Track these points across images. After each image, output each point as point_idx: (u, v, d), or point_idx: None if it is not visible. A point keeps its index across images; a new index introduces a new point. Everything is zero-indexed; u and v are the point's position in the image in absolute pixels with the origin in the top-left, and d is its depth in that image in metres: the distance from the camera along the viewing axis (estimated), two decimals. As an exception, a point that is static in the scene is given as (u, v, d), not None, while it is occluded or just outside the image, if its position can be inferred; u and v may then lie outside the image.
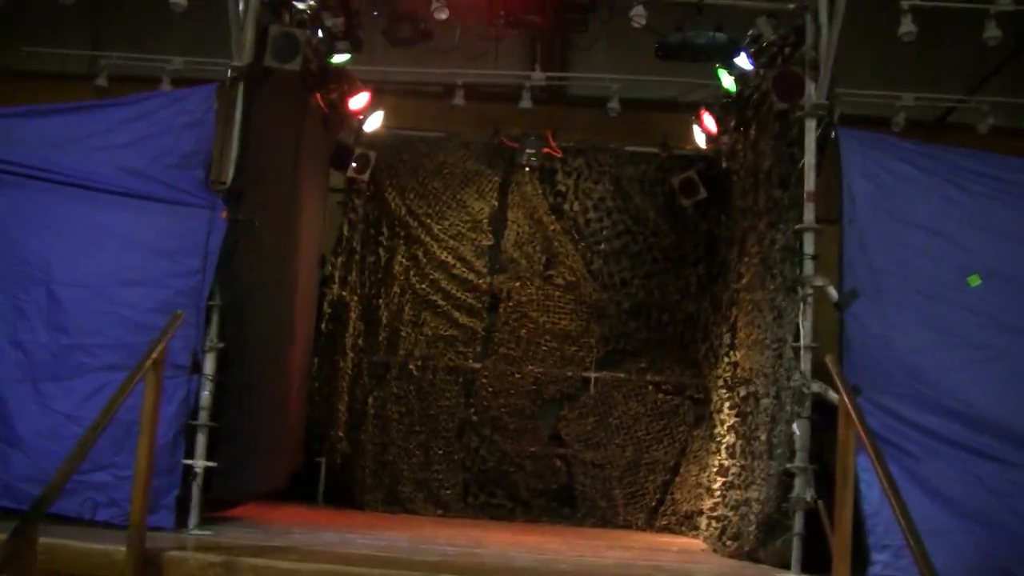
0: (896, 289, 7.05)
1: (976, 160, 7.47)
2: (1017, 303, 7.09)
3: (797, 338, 7.10)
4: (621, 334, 10.75)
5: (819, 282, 7.07)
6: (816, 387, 6.90)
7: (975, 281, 7.06)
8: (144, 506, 5.65)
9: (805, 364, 6.98)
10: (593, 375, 10.65)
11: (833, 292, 7.04)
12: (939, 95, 11.61)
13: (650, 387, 10.58)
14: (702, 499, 9.49)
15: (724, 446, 8.96)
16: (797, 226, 7.23)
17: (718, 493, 8.83)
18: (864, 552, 6.31)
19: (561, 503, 10.40)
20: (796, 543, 6.77)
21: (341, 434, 10.34)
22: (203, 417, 6.90)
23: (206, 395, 6.93)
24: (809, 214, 7.18)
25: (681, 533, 9.85)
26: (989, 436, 6.76)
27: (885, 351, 6.95)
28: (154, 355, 5.68)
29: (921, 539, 4.64)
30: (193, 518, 6.80)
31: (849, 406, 5.55)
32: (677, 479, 10.24)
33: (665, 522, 10.16)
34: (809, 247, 7.16)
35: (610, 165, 10.98)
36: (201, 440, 6.88)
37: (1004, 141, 10.17)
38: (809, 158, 7.26)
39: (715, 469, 9.13)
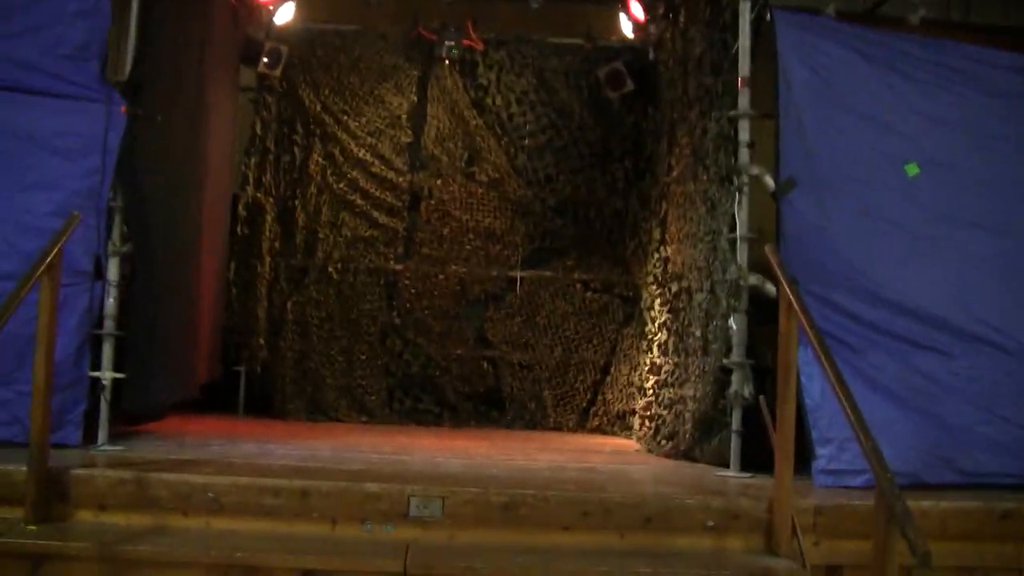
0: (834, 178, 6.79)
1: (920, 46, 7.19)
2: (957, 193, 6.90)
3: (733, 230, 6.82)
4: (547, 232, 10.46)
5: (755, 171, 6.76)
6: (753, 280, 6.64)
7: (913, 170, 6.84)
8: (45, 423, 5.26)
9: (741, 256, 6.71)
10: (519, 274, 10.37)
11: (770, 181, 6.75)
12: (870, -16, 11.28)
13: (578, 285, 10.34)
14: (634, 399, 9.32)
15: (656, 344, 8.75)
16: (731, 113, 6.90)
17: (651, 392, 8.64)
18: (806, 447, 6.14)
19: (489, 406, 10.16)
20: (735, 440, 6.56)
21: (262, 341, 9.97)
22: (109, 326, 6.47)
23: (111, 302, 6.49)
24: (744, 100, 6.84)
25: (613, 434, 9.68)
26: (927, 327, 6.61)
27: (822, 241, 6.72)
28: (48, 260, 5.24)
29: (871, 432, 4.44)
30: (102, 433, 6.40)
31: (792, 297, 5.30)
32: (608, 379, 10.07)
33: (596, 423, 9.99)
34: (744, 134, 6.82)
35: (533, 57, 10.59)
36: (107, 351, 6.44)
37: (935, 32, 9.91)
38: (743, 42, 6.90)
39: (647, 368, 8.93)
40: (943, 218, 6.84)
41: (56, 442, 5.65)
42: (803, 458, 5.96)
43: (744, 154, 6.80)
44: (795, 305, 5.25)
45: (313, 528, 5.25)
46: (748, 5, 6.93)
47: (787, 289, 5.36)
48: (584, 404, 10.10)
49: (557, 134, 10.52)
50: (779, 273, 5.54)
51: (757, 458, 6.45)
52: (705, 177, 7.49)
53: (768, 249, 5.85)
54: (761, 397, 6.21)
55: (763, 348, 6.72)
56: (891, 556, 4.09)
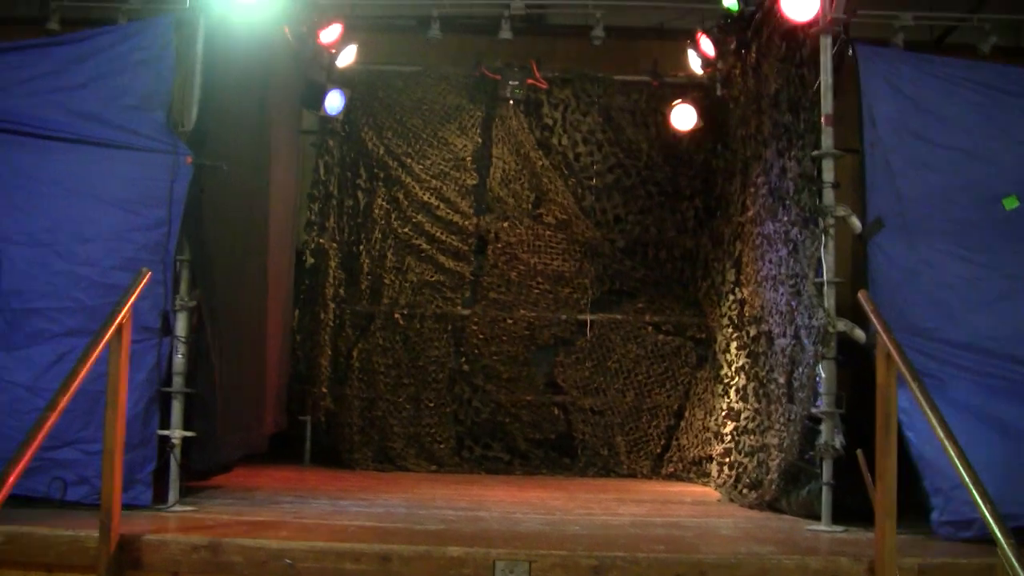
0: (925, 217, 6.57)
1: (1002, 76, 6.94)
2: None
3: (818, 273, 6.56)
4: (617, 273, 10.26)
5: (841, 212, 6.52)
6: (842, 326, 6.38)
7: (1012, 203, 6.56)
8: (116, 487, 5.07)
9: (829, 301, 6.45)
10: (589, 317, 10.14)
11: (856, 222, 6.53)
12: (939, 13, 11.01)
13: (649, 328, 10.08)
14: (710, 444, 9.04)
15: (733, 388, 8.48)
16: (815, 152, 6.66)
17: (729, 438, 8.36)
18: (919, 497, 5.94)
19: (561, 453, 9.91)
20: (826, 493, 6.29)
21: (325, 390, 9.79)
22: (178, 383, 6.32)
23: (180, 359, 6.34)
24: (828, 139, 6.60)
25: (689, 481, 9.38)
26: (1026, 369, 6.33)
27: (914, 285, 6.48)
28: (119, 318, 5.07)
29: (987, 491, 4.15)
30: (172, 493, 6.23)
31: (890, 345, 5.03)
32: (682, 424, 9.76)
33: (671, 469, 9.68)
34: (829, 175, 6.58)
35: (599, 95, 10.45)
36: (177, 409, 6.30)
37: (1007, 60, 9.63)
38: (825, 78, 6.65)
39: (724, 412, 8.66)
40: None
41: (125, 503, 5.45)
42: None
43: (829, 195, 6.56)
44: (895, 355, 4.98)
45: (395, 595, 5.04)
46: (829, 40, 6.69)
47: (886, 338, 5.09)
48: (658, 450, 9.81)
49: (625, 173, 10.35)
50: (876, 321, 5.28)
51: (846, 510, 6.23)
52: (786, 218, 7.23)
53: (862, 296, 5.59)
54: (859, 451, 5.93)
55: (843, 394, 6.46)
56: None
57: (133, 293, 5.35)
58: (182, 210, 6.40)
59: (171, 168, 6.45)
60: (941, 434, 4.49)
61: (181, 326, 6.36)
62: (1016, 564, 3.75)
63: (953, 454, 4.36)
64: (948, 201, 6.60)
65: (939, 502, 5.90)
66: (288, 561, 5.04)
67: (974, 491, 4.16)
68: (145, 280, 5.55)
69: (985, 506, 4.07)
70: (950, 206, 6.59)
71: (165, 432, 6.24)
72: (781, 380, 7.19)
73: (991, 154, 6.67)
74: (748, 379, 8.09)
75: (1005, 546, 3.86)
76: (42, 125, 6.51)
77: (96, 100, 6.61)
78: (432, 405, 9.88)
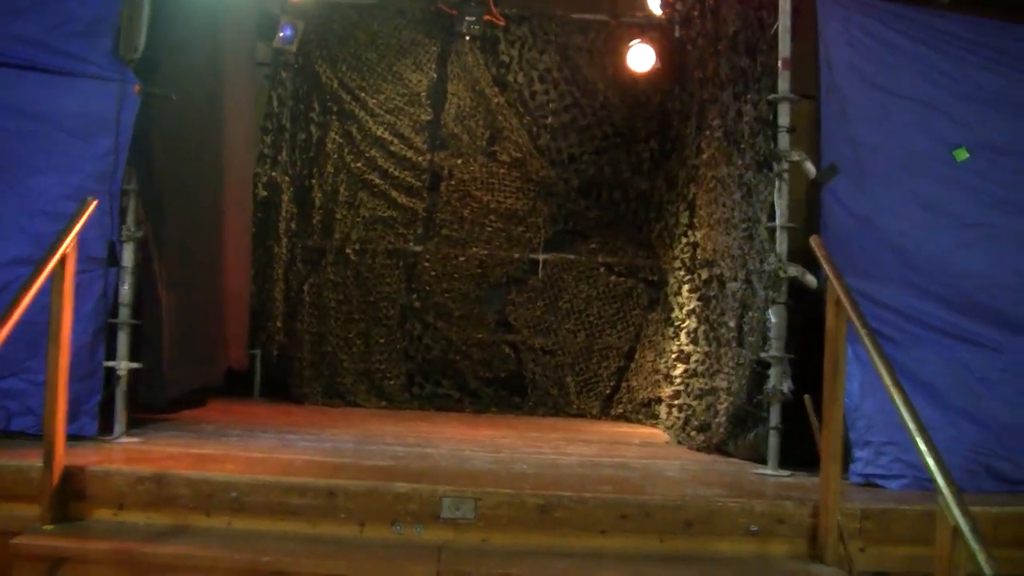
0: (880, 165, 6.59)
1: (963, 26, 6.95)
2: (1011, 178, 6.66)
3: (771, 218, 6.57)
4: (570, 213, 10.21)
5: (795, 157, 6.52)
6: (793, 271, 6.41)
7: (962, 155, 6.60)
8: (60, 417, 5.02)
9: (781, 246, 6.47)
10: (541, 257, 10.12)
11: (811, 167, 6.53)
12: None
13: (602, 269, 10.08)
14: (660, 386, 9.07)
15: (684, 331, 8.50)
16: (771, 96, 6.64)
17: (679, 381, 8.40)
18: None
19: (511, 392, 9.94)
20: (773, 437, 6.34)
21: (279, 324, 9.73)
22: (124, 314, 6.25)
23: (126, 290, 6.26)
24: (784, 83, 6.59)
25: (638, 422, 9.44)
26: (978, 322, 6.38)
27: (867, 232, 6.51)
28: (62, 247, 4.99)
29: (931, 439, 4.20)
30: (119, 425, 6.19)
31: (840, 291, 5.06)
32: (632, 365, 9.80)
33: (621, 410, 9.75)
34: (784, 119, 6.58)
35: (556, 34, 10.32)
36: (123, 340, 6.24)
37: (966, 10, 9.61)
38: (784, 21, 6.63)
39: (674, 355, 8.68)
40: (998, 204, 6.61)
41: (71, 433, 5.41)
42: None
43: (784, 139, 6.56)
44: (845, 301, 5.00)
45: (340, 530, 5.05)
46: (789, -18, 6.66)
47: (836, 284, 5.11)
48: (608, 391, 9.86)
49: (581, 113, 10.27)
50: (827, 267, 5.29)
51: (791, 454, 6.29)
52: (740, 162, 7.22)
53: (814, 241, 5.60)
54: (807, 396, 5.98)
55: (794, 341, 6.51)
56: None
57: (78, 222, 5.26)
58: (129, 139, 6.26)
59: (118, 96, 6.29)
60: (888, 382, 4.51)
61: (128, 257, 6.27)
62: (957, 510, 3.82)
63: (900, 402, 4.39)
64: (903, 150, 6.61)
65: (866, 454, 6.00)
66: (233, 494, 5.03)
67: (918, 439, 4.21)
68: (90, 209, 5.46)
69: (930, 453, 4.13)
70: (905, 155, 6.61)
71: (111, 363, 6.17)
72: (731, 324, 7.22)
73: (944, 105, 6.67)
74: (699, 322, 8.11)
75: (947, 493, 3.93)
76: (-17, 50, 6.33)
77: (40, 25, 6.37)
78: (383, 341, 9.84)
